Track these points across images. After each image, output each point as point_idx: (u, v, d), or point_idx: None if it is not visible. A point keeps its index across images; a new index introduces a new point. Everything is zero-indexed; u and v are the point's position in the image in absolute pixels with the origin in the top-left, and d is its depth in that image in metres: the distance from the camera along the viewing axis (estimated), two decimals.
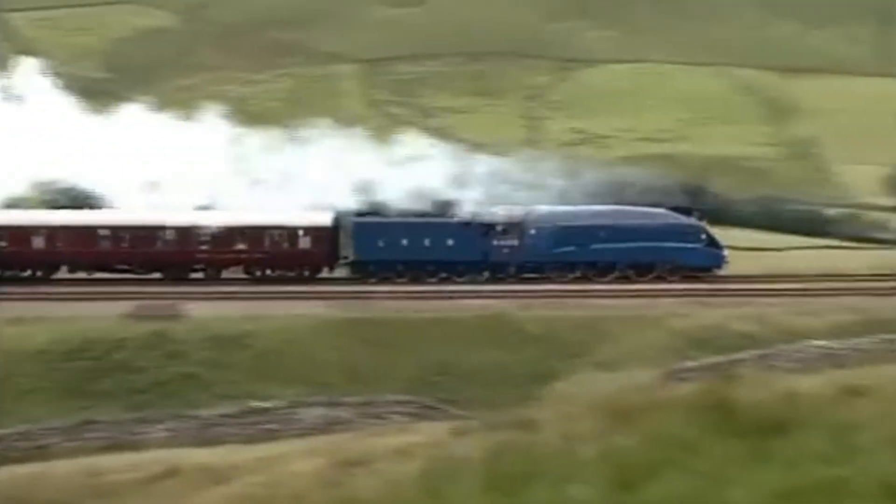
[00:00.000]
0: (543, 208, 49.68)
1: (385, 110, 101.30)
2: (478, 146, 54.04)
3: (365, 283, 48.18)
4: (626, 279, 48.50)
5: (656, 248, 48.91)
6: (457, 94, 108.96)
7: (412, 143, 49.21)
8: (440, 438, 14.99)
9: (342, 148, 46.76)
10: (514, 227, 49.33)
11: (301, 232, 48.59)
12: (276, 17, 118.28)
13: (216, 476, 17.48)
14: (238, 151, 46.76)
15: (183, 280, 47.76)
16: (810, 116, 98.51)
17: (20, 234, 47.87)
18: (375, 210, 48.19)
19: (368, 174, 46.95)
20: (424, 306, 43.67)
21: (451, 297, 44.85)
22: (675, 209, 50.96)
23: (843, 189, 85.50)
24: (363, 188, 47.13)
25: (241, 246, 48.66)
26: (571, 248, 48.99)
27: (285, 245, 48.56)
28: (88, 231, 48.14)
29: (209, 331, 40.26)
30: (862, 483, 10.49)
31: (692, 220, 50.61)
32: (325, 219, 48.79)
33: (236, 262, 49.26)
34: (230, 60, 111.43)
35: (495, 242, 49.22)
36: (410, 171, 47.17)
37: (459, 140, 66.76)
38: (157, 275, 48.70)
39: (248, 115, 52.75)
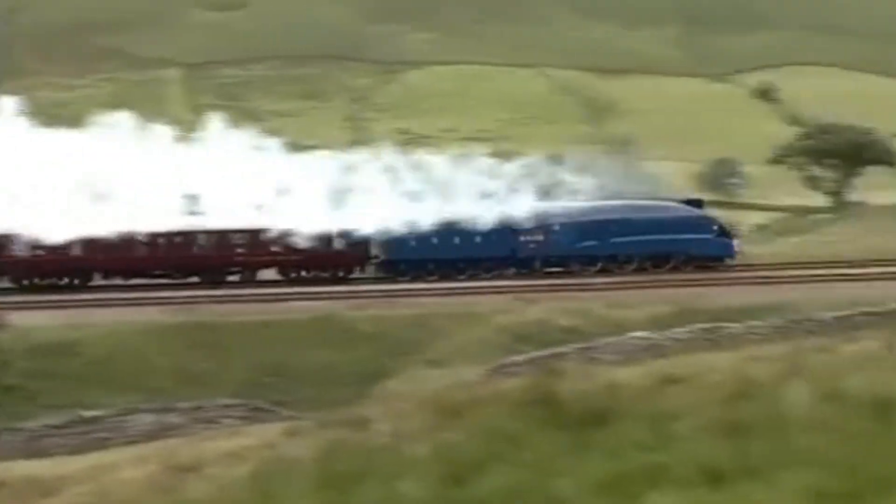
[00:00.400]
0: (565, 204, 51.09)
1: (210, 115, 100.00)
2: (304, 149, 53.83)
3: (396, 281, 49.25)
4: (643, 270, 50.27)
5: (672, 239, 50.93)
6: (282, 97, 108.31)
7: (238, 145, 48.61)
8: (272, 440, 15.03)
9: (167, 154, 45.94)
10: (539, 224, 50.90)
11: (335, 233, 49.36)
12: (96, 21, 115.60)
13: (43, 488, 17.13)
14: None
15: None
16: (626, 115, 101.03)
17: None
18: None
19: (196, 180, 46.29)
20: (254, 309, 43.42)
21: (282, 300, 44.68)
22: (688, 202, 53.59)
23: (657, 185, 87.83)
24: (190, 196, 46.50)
25: (276, 248, 49.25)
26: (593, 242, 50.93)
27: (319, 247, 49.15)
28: (125, 238, 47.60)
29: (32, 340, 39.20)
30: (680, 469, 10.94)
31: (704, 212, 53.18)
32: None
33: (272, 265, 50.34)
34: (48, 66, 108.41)
35: (522, 238, 50.98)
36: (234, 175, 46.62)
37: (285, 144, 66.36)
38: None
39: (66, 119, 51.30)
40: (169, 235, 48.87)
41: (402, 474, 10.59)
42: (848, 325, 31.81)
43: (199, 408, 28.77)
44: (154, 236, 48.68)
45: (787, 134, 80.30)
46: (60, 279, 48.96)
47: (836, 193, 76.71)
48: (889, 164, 74.75)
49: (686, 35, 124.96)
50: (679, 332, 33.71)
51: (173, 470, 14.30)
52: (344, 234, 49.31)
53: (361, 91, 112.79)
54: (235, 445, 15.49)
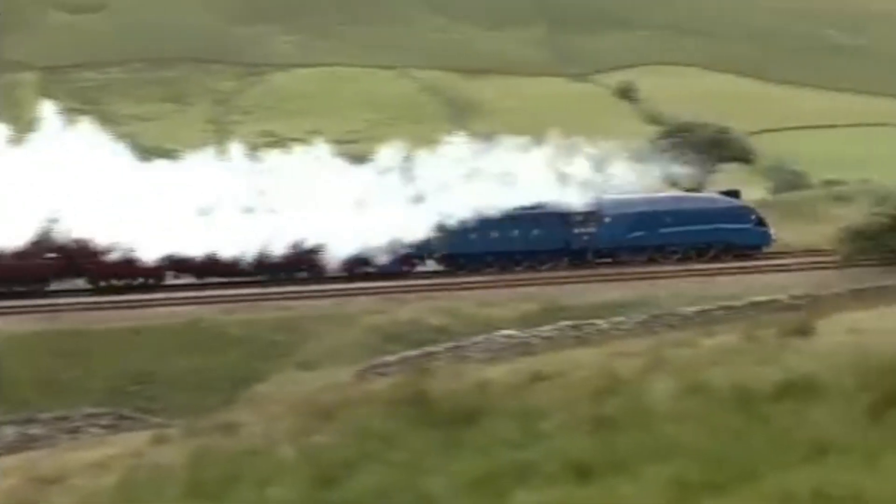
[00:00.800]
0: (613, 197, 51.79)
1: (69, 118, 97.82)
2: (165, 153, 52.96)
3: (455, 275, 49.18)
4: (688, 259, 51.21)
5: (715, 229, 52.09)
6: (142, 100, 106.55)
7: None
8: (139, 448, 14.79)
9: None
10: (591, 216, 51.92)
11: None
12: None
13: None
14: None
15: None
16: (490, 115, 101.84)
17: None
18: None
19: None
20: (119, 315, 42.61)
21: (148, 306, 43.94)
22: (726, 193, 54.76)
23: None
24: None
25: None
26: (642, 233, 52.04)
27: None
28: None
29: None
30: (548, 465, 11.08)
31: (743, 202, 54.39)
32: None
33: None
34: None
35: (576, 231, 52.03)
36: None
37: (146, 148, 65.38)
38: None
39: None
40: None
41: (272, 478, 10.54)
42: (708, 319, 32.54)
43: (63, 418, 28.12)
44: None
45: (647, 132, 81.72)
46: (135, 280, 48.18)
47: (694, 191, 78.30)
48: (746, 161, 76.56)
49: (548, 36, 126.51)
50: (546, 329, 34.10)
51: (35, 482, 13.97)
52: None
53: (225, 94, 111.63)
54: (101, 455, 15.18)
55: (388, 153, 46.27)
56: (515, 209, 49.92)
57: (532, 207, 50.73)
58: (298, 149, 46.22)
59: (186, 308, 43.36)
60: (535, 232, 51.61)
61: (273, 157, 45.77)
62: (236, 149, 44.62)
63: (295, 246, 44.77)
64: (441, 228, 48.60)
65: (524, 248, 51.41)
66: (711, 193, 55.69)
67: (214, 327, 41.89)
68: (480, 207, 47.98)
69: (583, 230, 52.18)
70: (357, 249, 44.46)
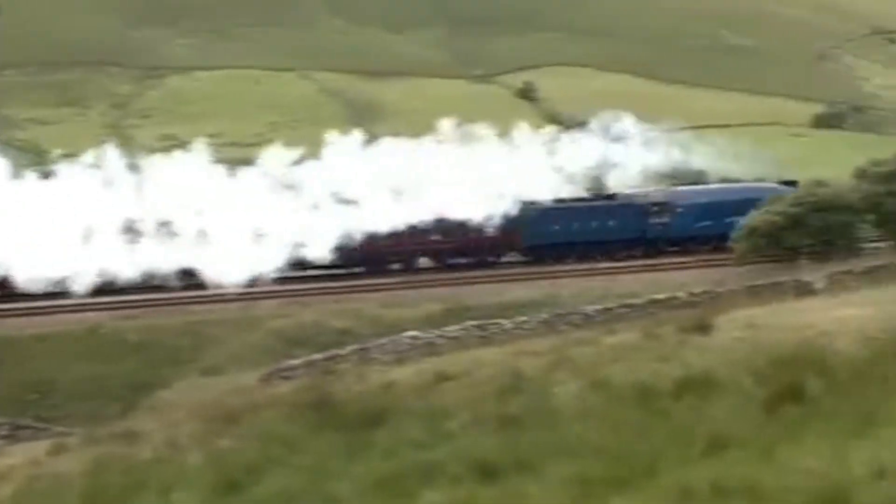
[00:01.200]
0: (682, 188, 54.40)
1: None
2: (65, 157, 52.03)
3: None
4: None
5: None
6: (39, 104, 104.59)
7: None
8: (37, 458, 14.56)
9: None
10: (666, 206, 54.01)
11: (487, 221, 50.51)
12: None
13: None
14: None
15: None
16: (392, 116, 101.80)
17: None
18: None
19: None
20: (14, 323, 41.72)
21: (46, 313, 43.08)
22: (785, 183, 55.64)
23: None
24: None
25: (435, 237, 51.26)
26: (709, 223, 53.34)
27: (472, 234, 50.84)
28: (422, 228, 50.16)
29: None
30: (454, 465, 11.14)
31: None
32: (511, 207, 50.56)
33: (428, 253, 52.14)
34: None
35: (651, 221, 53.94)
36: None
37: (43, 152, 64.32)
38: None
39: None
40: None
41: (176, 485, 10.45)
42: (610, 317, 32.91)
43: None
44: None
45: (546, 131, 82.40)
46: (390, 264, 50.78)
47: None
48: None
49: (450, 38, 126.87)
50: (451, 329, 34.18)
51: None
52: (492, 218, 50.26)
53: (123, 97, 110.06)
54: None
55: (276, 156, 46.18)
56: (592, 200, 52.85)
57: (607, 198, 53.61)
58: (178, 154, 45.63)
59: (87, 314, 42.62)
60: (613, 222, 53.51)
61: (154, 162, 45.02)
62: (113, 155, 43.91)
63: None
64: (522, 221, 50.62)
65: (603, 238, 53.00)
66: (772, 184, 56.41)
67: (115, 333, 41.24)
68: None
69: (657, 220, 54.17)
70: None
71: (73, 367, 39.04)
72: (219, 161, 46.03)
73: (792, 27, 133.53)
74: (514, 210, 50.66)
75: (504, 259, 52.84)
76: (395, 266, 51.25)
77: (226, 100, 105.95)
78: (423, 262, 52.43)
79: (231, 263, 43.06)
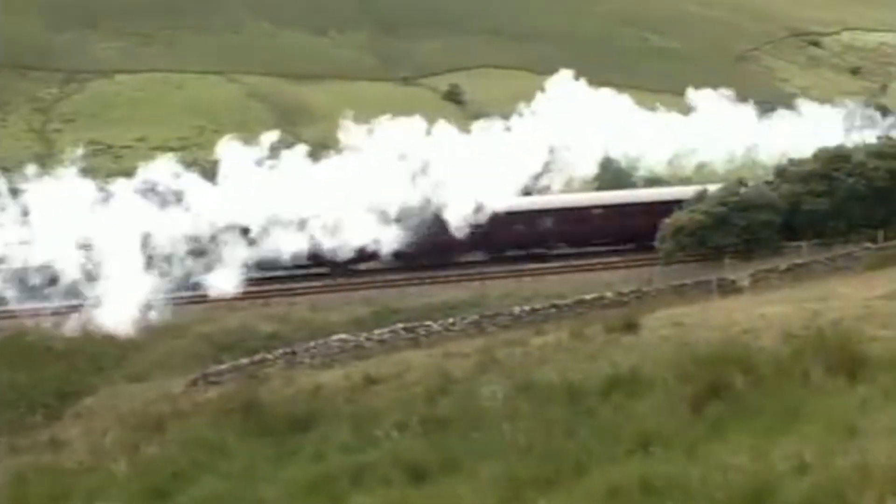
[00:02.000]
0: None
1: None
2: None
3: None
4: None
5: None
6: None
7: None
8: None
9: None
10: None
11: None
12: None
13: None
14: None
15: None
16: (319, 120, 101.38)
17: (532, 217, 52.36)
18: None
19: None
20: None
21: None
22: None
23: None
24: None
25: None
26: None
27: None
28: (581, 211, 53.29)
29: None
30: (384, 468, 11.15)
31: None
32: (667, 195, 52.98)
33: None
34: None
35: None
36: None
37: None
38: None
39: None
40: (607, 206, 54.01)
41: (102, 492, 10.35)
42: (537, 318, 33.08)
43: None
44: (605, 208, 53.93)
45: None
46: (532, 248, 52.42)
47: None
48: None
49: (376, 40, 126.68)
50: (380, 332, 34.12)
51: None
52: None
53: (46, 101, 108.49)
54: None
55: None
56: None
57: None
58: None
59: (10, 322, 41.91)
60: None
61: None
62: None
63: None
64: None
65: None
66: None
67: (39, 341, 40.58)
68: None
69: None
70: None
71: None
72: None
73: (713, 28, 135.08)
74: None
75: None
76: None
77: (150, 104, 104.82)
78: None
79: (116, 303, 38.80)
